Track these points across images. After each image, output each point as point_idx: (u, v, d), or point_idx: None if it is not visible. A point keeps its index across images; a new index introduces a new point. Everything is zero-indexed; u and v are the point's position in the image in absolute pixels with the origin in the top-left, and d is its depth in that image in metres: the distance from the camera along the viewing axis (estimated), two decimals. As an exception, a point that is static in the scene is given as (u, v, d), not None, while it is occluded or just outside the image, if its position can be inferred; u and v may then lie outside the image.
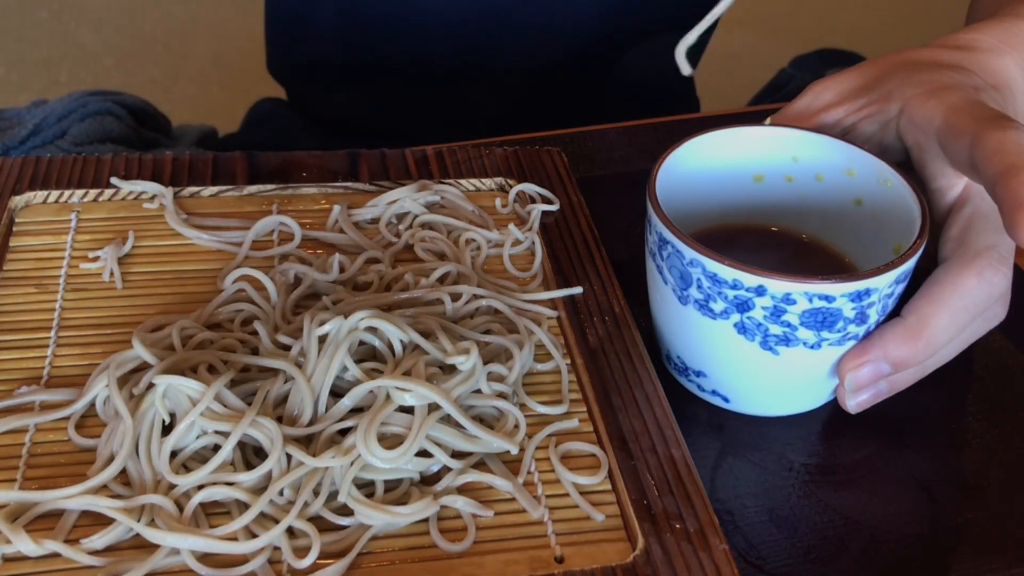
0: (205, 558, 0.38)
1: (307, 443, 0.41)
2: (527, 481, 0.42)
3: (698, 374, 0.47)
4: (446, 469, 0.42)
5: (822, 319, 0.42)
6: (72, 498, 0.39)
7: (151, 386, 0.41)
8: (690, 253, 0.43)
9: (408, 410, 0.42)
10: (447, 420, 0.42)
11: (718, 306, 0.43)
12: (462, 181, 0.57)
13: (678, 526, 0.40)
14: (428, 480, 0.42)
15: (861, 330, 0.43)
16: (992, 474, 0.46)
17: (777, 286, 0.41)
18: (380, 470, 0.40)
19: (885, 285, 0.42)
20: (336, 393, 0.43)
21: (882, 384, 0.45)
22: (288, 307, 0.48)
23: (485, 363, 0.45)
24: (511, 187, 0.57)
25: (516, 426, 0.43)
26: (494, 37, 0.78)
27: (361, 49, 0.80)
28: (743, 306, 0.42)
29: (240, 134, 0.93)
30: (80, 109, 0.75)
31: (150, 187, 0.54)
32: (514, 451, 0.42)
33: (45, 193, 0.53)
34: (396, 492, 0.41)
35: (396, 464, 0.40)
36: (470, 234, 0.53)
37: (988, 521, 0.44)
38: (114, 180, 0.54)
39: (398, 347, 0.44)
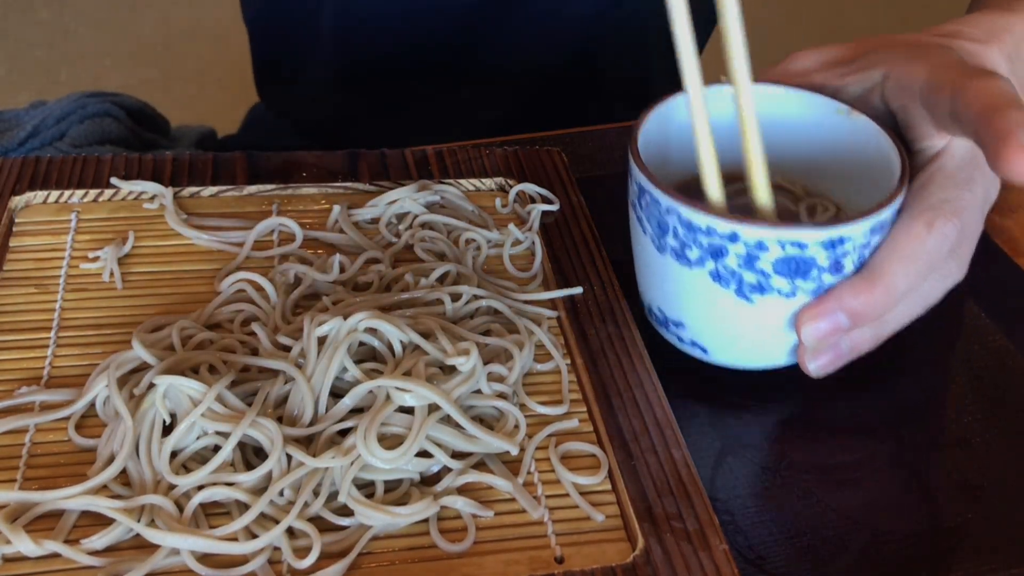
0: (205, 558, 0.38)
1: (307, 443, 0.41)
2: (527, 481, 0.42)
3: (677, 325, 0.47)
4: (446, 469, 0.42)
5: (795, 267, 0.42)
6: (72, 498, 0.39)
7: (151, 386, 0.41)
8: (666, 200, 0.43)
9: (408, 410, 0.42)
10: (447, 420, 0.42)
11: (693, 254, 0.43)
12: (462, 181, 0.57)
13: (678, 526, 0.40)
14: (428, 480, 0.42)
15: (837, 280, 0.43)
16: (992, 474, 0.46)
17: (750, 232, 0.41)
18: (380, 470, 0.40)
19: (860, 234, 0.42)
20: (336, 394, 0.43)
21: (843, 344, 0.45)
22: (288, 307, 0.48)
23: (485, 363, 0.45)
24: (511, 187, 0.57)
25: (516, 426, 0.43)
26: (494, 37, 0.78)
27: (360, 50, 0.80)
28: (717, 253, 0.42)
29: (239, 135, 0.93)
30: (79, 111, 0.75)
31: (150, 187, 0.54)
32: (514, 451, 0.42)
33: (45, 193, 0.53)
34: (396, 492, 0.41)
35: (396, 464, 0.40)
36: (470, 234, 0.53)
37: (988, 521, 0.44)
38: (114, 180, 0.54)
39: (398, 347, 0.44)
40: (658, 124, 0.48)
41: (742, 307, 0.44)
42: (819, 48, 0.52)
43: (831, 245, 0.42)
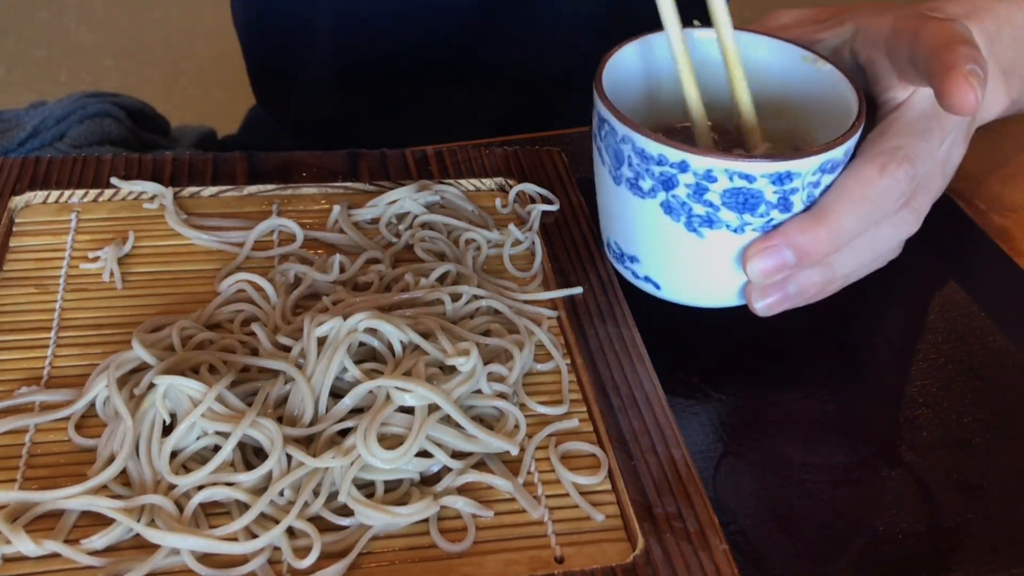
0: (205, 558, 0.38)
1: (307, 443, 0.41)
2: (527, 481, 0.42)
3: (632, 259, 0.48)
4: (446, 469, 0.42)
5: (744, 200, 0.42)
6: (72, 498, 0.39)
7: (152, 386, 0.41)
8: (622, 129, 0.44)
9: (408, 410, 0.42)
10: (447, 420, 0.42)
11: (646, 184, 0.44)
12: (462, 181, 0.57)
13: (678, 526, 0.40)
14: (428, 480, 0.42)
15: (785, 217, 0.43)
16: (992, 474, 0.46)
17: (699, 162, 0.42)
18: (380, 470, 0.40)
19: (809, 171, 0.42)
20: (336, 394, 0.43)
21: (790, 285, 0.45)
22: (288, 307, 0.48)
23: (485, 363, 0.45)
24: (511, 187, 0.57)
25: (516, 426, 0.43)
26: (494, 38, 0.78)
27: (360, 51, 0.80)
28: (668, 183, 0.43)
29: (239, 135, 0.93)
30: (79, 111, 0.75)
31: (150, 187, 0.54)
32: (514, 451, 0.42)
33: (45, 193, 0.53)
34: (396, 492, 0.41)
35: (396, 464, 0.40)
36: (470, 234, 0.53)
37: (988, 521, 0.44)
38: (114, 180, 0.54)
39: (398, 348, 0.44)
40: (629, 62, 0.48)
41: (692, 241, 0.44)
42: (796, 9, 0.53)
43: (779, 180, 0.42)
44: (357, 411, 0.42)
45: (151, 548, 0.38)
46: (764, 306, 0.46)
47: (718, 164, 0.42)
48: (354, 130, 0.84)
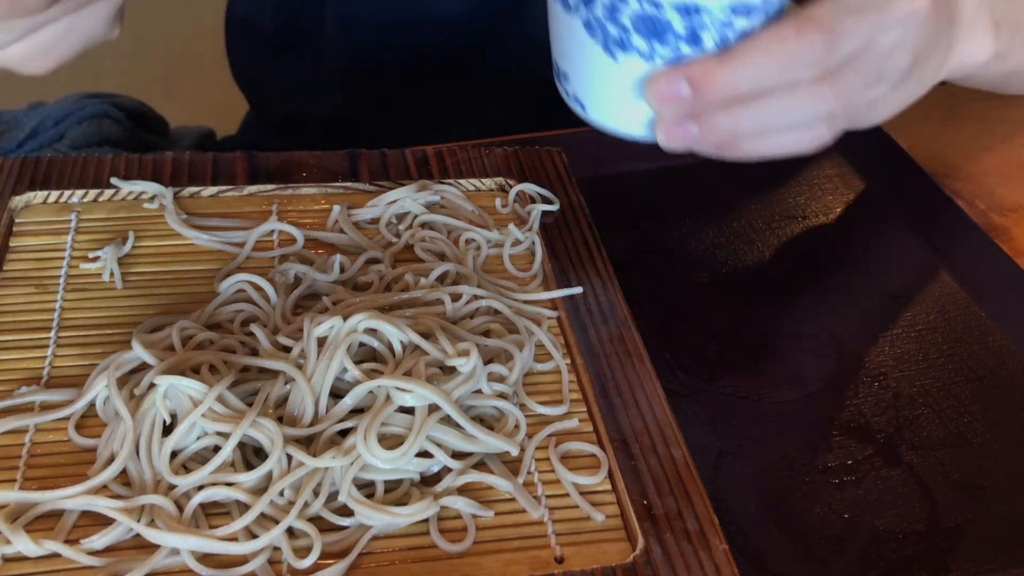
0: (205, 558, 0.38)
1: (307, 444, 0.41)
2: (527, 481, 0.42)
3: (564, 77, 0.49)
4: (446, 469, 0.42)
5: (652, 27, 0.43)
6: (72, 498, 0.39)
7: (152, 386, 0.41)
8: None
9: (408, 411, 0.42)
10: (447, 421, 0.42)
11: None
12: (462, 181, 0.57)
13: (678, 526, 0.40)
14: (428, 480, 0.42)
15: (694, 52, 0.44)
16: (992, 474, 0.46)
17: None
18: (380, 470, 0.40)
19: (718, 9, 0.42)
20: (336, 394, 0.43)
21: (691, 126, 0.45)
22: (288, 307, 0.48)
23: (485, 363, 0.45)
24: (511, 187, 0.57)
25: (516, 426, 0.43)
26: (495, 41, 0.78)
27: (361, 52, 0.80)
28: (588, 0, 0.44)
29: (239, 136, 0.93)
30: (78, 112, 0.75)
31: (150, 187, 0.54)
32: (514, 452, 0.42)
33: (45, 193, 0.53)
34: (396, 492, 0.41)
35: (396, 464, 0.40)
36: (470, 234, 0.53)
37: (988, 521, 0.44)
38: (114, 180, 0.54)
39: (398, 348, 0.44)
40: None
41: (608, 64, 0.45)
42: None
43: (686, 12, 0.42)
44: (357, 411, 0.42)
45: (151, 548, 0.38)
46: (665, 138, 0.45)
47: None
48: (354, 130, 0.84)
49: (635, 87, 0.46)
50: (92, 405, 0.43)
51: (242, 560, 0.38)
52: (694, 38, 0.43)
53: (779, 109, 0.45)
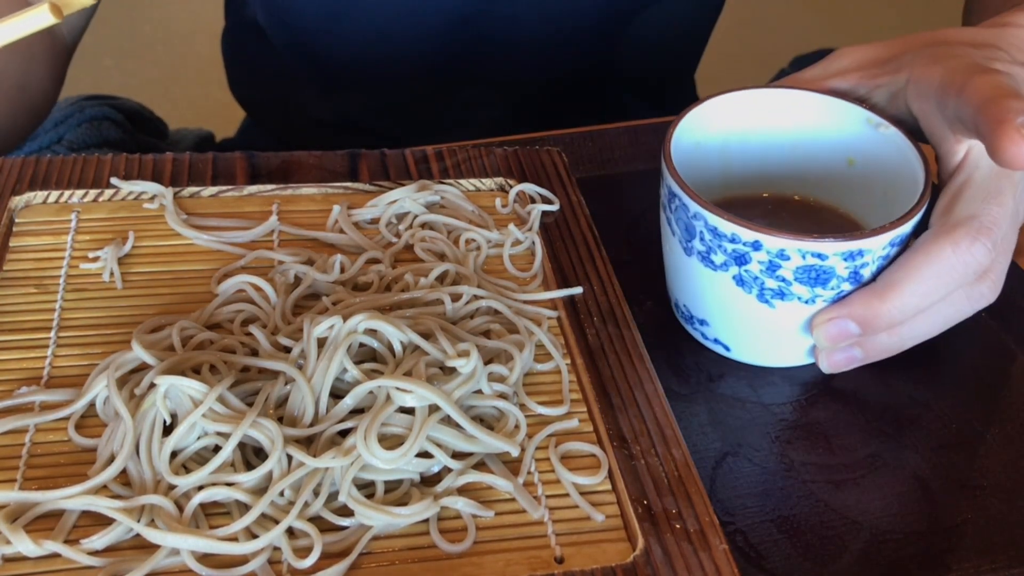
0: (205, 558, 0.38)
1: (308, 444, 0.41)
2: (527, 481, 0.42)
3: (702, 323, 0.49)
4: (446, 470, 0.42)
5: (816, 276, 0.43)
6: (72, 498, 0.39)
7: (152, 386, 0.41)
8: (694, 207, 0.44)
9: (409, 411, 0.42)
10: (447, 421, 0.42)
11: (718, 258, 0.44)
12: (462, 181, 0.57)
13: (678, 526, 0.40)
14: (428, 481, 0.42)
15: (855, 288, 0.44)
16: (992, 474, 0.46)
17: (772, 242, 0.43)
18: (380, 471, 0.40)
19: (879, 247, 0.43)
20: (336, 394, 0.43)
21: (856, 351, 0.46)
22: (288, 307, 0.48)
23: (485, 363, 0.45)
24: (511, 187, 0.57)
25: (516, 426, 0.43)
26: (495, 40, 0.78)
27: (361, 53, 0.80)
28: (741, 259, 0.44)
29: (238, 137, 0.93)
30: (76, 114, 0.75)
31: (150, 187, 0.54)
32: (514, 452, 0.42)
33: (45, 193, 0.53)
34: (396, 493, 0.41)
35: (396, 465, 0.40)
36: (470, 234, 0.53)
37: (988, 521, 0.44)
38: (114, 180, 0.54)
39: (398, 348, 0.44)
40: (692, 127, 0.49)
41: (763, 311, 0.45)
42: (860, 46, 0.51)
43: (850, 256, 0.43)
44: (357, 411, 0.42)
45: (151, 548, 0.38)
46: (829, 364, 0.47)
47: (791, 244, 0.43)
48: (354, 130, 0.84)
49: (793, 328, 0.46)
50: (92, 405, 0.43)
51: (242, 560, 0.38)
52: (856, 276, 0.44)
53: (940, 316, 0.46)
